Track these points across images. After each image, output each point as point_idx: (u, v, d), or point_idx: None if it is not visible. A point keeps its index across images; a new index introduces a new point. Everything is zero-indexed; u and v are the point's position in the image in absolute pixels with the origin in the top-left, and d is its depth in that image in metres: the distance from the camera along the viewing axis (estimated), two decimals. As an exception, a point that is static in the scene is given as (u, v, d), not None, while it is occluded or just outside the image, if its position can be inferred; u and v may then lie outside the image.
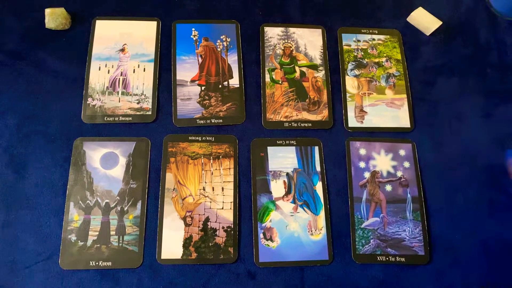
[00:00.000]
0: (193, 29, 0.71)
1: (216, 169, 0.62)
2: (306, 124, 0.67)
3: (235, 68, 0.69)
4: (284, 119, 0.67)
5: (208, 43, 0.70)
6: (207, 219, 0.60)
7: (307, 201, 0.62)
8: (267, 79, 0.69)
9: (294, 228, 0.61)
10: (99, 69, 0.67)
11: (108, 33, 0.69)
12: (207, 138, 0.64)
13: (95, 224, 0.58)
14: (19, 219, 0.58)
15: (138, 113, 0.65)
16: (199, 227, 0.59)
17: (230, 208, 0.61)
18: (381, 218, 0.62)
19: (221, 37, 0.70)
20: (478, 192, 0.65)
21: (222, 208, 0.61)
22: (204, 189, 0.61)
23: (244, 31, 0.72)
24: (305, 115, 0.67)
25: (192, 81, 0.68)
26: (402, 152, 0.66)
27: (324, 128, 0.67)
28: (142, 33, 0.70)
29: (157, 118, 0.65)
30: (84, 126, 0.63)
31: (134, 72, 0.67)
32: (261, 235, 0.60)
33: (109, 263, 0.57)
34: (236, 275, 0.58)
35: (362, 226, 0.62)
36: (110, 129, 0.64)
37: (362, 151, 0.66)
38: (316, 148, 0.65)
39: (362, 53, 0.73)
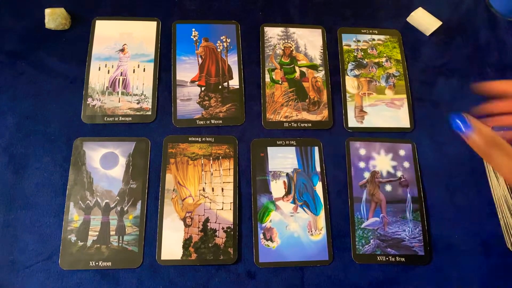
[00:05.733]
0: (193, 29, 0.71)
1: (216, 170, 0.62)
2: (306, 124, 0.67)
3: (235, 69, 0.69)
4: (284, 119, 0.67)
5: (208, 43, 0.70)
6: (206, 220, 0.60)
7: (307, 201, 0.62)
8: (267, 79, 0.69)
9: (294, 228, 0.61)
10: (99, 69, 0.67)
11: (108, 33, 0.69)
12: (207, 139, 0.64)
13: (95, 224, 0.59)
14: (19, 219, 0.58)
15: (138, 113, 0.65)
16: (198, 227, 0.59)
17: (230, 209, 0.61)
18: (381, 218, 0.62)
19: (221, 38, 0.70)
20: (478, 192, 0.65)
21: (222, 209, 0.61)
22: (203, 189, 0.61)
23: (244, 31, 0.72)
24: (305, 115, 0.67)
25: (192, 81, 0.68)
26: (402, 152, 0.66)
27: (324, 128, 0.67)
28: (142, 33, 0.69)
29: (156, 119, 0.65)
30: (84, 126, 0.63)
31: (134, 72, 0.67)
32: (261, 236, 0.60)
33: (109, 263, 0.57)
34: (236, 276, 0.58)
35: (362, 226, 0.62)
36: (110, 129, 0.64)
37: (362, 151, 0.66)
38: (316, 148, 0.65)
39: (362, 53, 0.73)
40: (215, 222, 0.60)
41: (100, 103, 0.65)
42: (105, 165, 0.61)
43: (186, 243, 0.58)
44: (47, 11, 0.67)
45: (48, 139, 0.62)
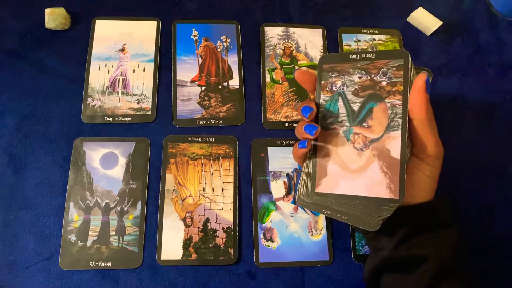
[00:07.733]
0: (193, 29, 0.71)
1: (216, 170, 0.62)
2: (306, 124, 0.66)
3: (235, 69, 0.69)
4: (284, 119, 0.67)
5: (208, 43, 0.70)
6: (207, 220, 0.60)
7: (307, 201, 0.62)
8: (267, 79, 0.69)
9: (294, 228, 0.61)
10: (99, 69, 0.67)
11: (108, 33, 0.69)
12: (207, 139, 0.64)
13: (95, 224, 0.58)
14: (19, 219, 0.58)
15: (138, 113, 0.65)
16: (199, 228, 0.59)
17: (230, 209, 0.61)
18: (381, 218, 0.62)
19: (221, 38, 0.70)
20: (478, 192, 0.65)
21: (222, 209, 0.61)
22: (204, 190, 0.61)
23: (244, 31, 0.72)
24: (305, 115, 0.67)
25: (192, 81, 0.68)
26: (402, 153, 0.66)
27: (324, 128, 0.67)
28: (142, 33, 0.69)
29: (156, 118, 0.65)
30: (84, 126, 0.63)
31: (134, 72, 0.67)
32: (261, 236, 0.60)
33: (109, 264, 0.57)
34: (236, 276, 0.58)
35: (362, 226, 0.62)
36: (110, 129, 0.64)
37: (362, 152, 0.66)
38: (316, 148, 0.65)
39: (362, 53, 0.72)
40: (215, 222, 0.60)
41: (100, 103, 0.65)
42: (105, 165, 0.61)
43: (186, 243, 0.58)
44: (47, 11, 0.67)
45: (48, 139, 0.62)
